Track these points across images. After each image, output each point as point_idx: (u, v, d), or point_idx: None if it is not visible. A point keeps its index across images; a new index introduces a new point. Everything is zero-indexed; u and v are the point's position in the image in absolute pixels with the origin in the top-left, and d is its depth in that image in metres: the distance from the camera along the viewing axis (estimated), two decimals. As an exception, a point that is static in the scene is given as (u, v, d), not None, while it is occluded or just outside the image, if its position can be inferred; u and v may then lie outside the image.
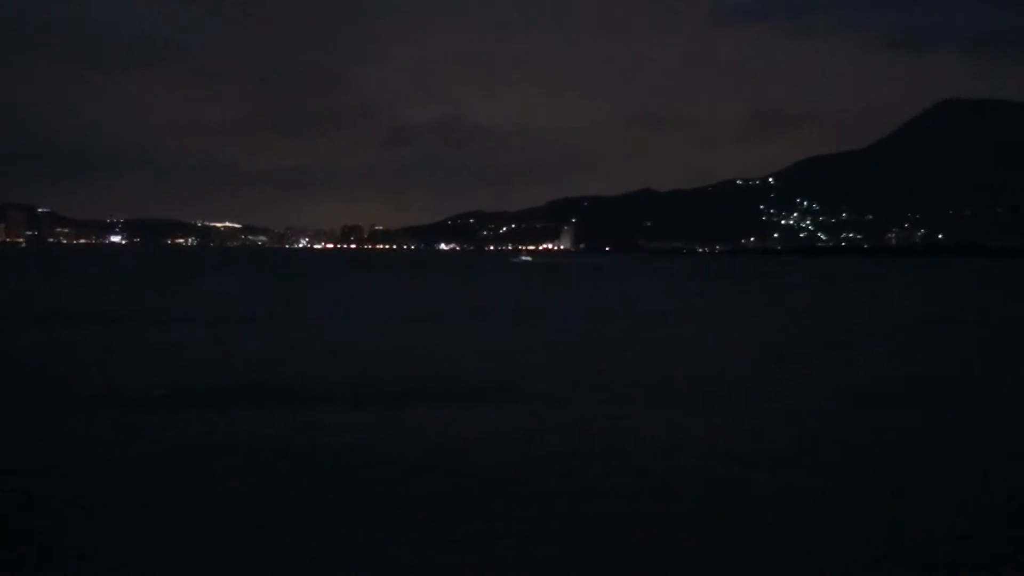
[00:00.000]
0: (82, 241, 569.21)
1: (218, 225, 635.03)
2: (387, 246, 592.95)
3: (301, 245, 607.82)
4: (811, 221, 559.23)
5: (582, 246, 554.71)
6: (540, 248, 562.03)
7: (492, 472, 18.89)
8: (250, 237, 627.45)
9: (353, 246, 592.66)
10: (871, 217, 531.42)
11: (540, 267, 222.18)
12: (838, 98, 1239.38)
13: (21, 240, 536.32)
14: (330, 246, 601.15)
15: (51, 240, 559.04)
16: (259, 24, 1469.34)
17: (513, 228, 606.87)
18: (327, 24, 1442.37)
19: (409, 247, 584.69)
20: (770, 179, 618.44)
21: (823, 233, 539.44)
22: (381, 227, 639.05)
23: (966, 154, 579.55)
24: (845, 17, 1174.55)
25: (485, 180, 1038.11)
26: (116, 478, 18.06)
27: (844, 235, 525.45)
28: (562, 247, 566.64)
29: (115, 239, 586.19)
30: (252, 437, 21.89)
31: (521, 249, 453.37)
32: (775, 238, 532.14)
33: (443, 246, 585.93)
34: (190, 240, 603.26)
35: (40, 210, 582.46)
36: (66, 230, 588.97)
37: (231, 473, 18.56)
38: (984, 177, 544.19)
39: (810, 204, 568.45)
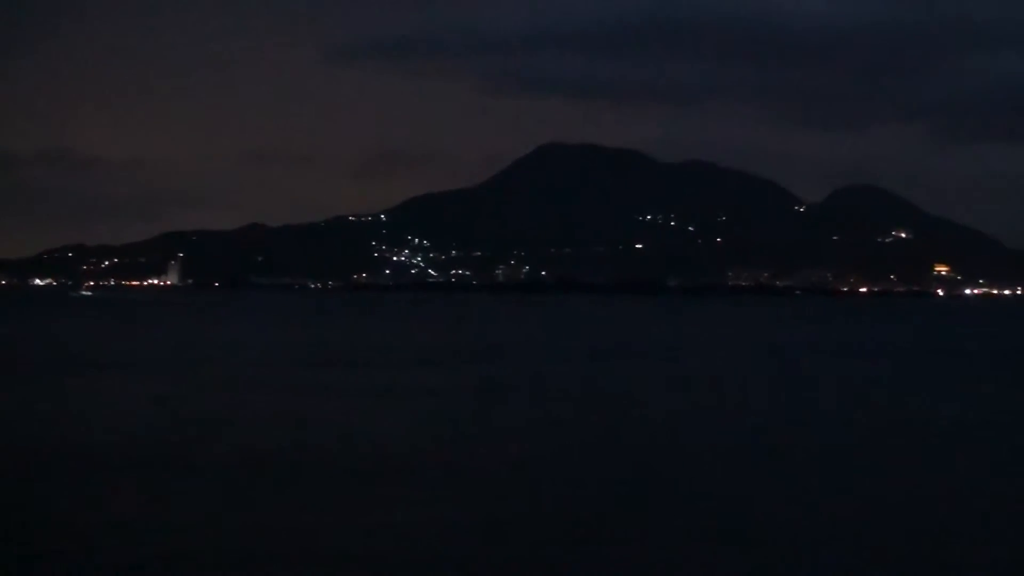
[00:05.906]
0: None
1: None
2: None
3: None
4: (422, 257, 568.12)
5: (190, 281, 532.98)
6: (146, 284, 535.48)
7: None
8: None
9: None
10: (479, 254, 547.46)
11: (101, 303, 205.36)
12: (450, 139, 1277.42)
13: None
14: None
15: None
16: None
17: (116, 263, 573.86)
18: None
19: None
20: (382, 216, 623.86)
21: (434, 269, 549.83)
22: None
23: (566, 196, 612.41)
24: (453, 61, 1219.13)
25: (90, 213, 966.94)
26: None
27: (454, 271, 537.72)
28: (169, 283, 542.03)
29: None
30: None
31: (83, 284, 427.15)
32: (387, 274, 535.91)
33: (38, 281, 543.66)
34: None
35: None
36: None
37: None
38: (582, 217, 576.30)
39: (421, 241, 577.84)
